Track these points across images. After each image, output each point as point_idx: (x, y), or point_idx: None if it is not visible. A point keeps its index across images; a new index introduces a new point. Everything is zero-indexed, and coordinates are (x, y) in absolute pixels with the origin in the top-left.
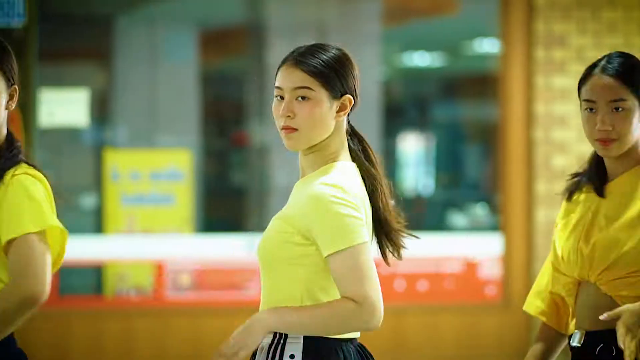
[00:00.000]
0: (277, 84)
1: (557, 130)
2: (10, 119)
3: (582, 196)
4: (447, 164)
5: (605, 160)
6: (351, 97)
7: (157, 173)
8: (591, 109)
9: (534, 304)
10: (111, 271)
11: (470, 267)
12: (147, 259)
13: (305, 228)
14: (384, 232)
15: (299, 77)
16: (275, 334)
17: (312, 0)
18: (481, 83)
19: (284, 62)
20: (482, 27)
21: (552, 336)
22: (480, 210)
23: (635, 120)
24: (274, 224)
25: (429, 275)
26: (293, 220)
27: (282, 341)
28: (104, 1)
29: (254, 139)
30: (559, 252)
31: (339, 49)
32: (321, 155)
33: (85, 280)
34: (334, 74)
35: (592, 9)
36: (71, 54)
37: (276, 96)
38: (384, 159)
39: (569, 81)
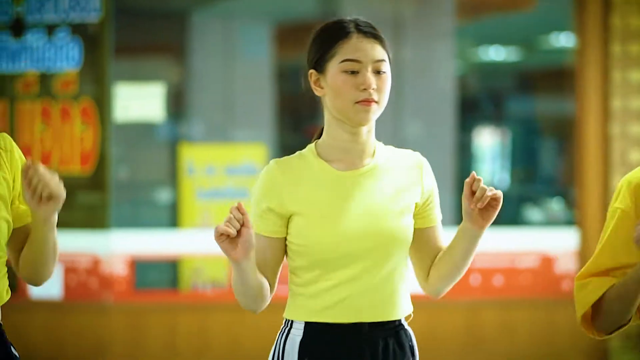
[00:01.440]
0: (353, 57)
1: (634, 125)
2: (85, 113)
3: None
4: (523, 158)
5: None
6: None
7: (232, 167)
8: (353, 71)
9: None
10: (186, 265)
11: (546, 261)
12: (222, 254)
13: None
14: None
15: (377, 50)
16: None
17: None
18: (557, 77)
19: (347, 33)
20: (558, 22)
21: None
22: (555, 205)
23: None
24: (404, 204)
25: (505, 270)
26: (422, 195)
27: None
28: None
29: None
30: None
31: None
32: (372, 131)
33: (160, 275)
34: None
35: None
36: (146, 49)
37: (346, 71)
38: (459, 153)
39: None
